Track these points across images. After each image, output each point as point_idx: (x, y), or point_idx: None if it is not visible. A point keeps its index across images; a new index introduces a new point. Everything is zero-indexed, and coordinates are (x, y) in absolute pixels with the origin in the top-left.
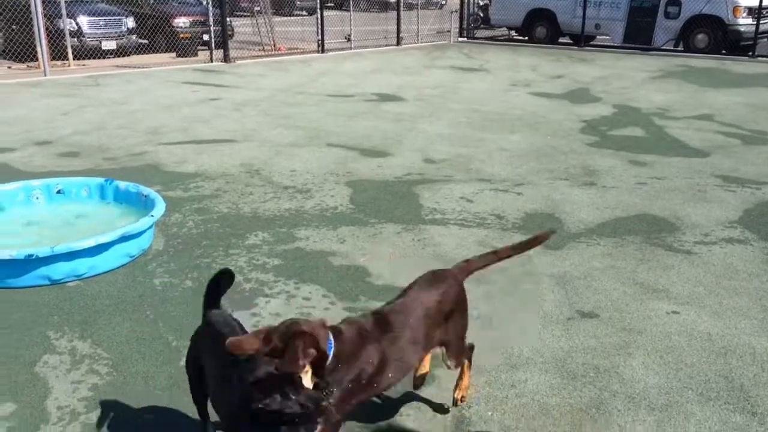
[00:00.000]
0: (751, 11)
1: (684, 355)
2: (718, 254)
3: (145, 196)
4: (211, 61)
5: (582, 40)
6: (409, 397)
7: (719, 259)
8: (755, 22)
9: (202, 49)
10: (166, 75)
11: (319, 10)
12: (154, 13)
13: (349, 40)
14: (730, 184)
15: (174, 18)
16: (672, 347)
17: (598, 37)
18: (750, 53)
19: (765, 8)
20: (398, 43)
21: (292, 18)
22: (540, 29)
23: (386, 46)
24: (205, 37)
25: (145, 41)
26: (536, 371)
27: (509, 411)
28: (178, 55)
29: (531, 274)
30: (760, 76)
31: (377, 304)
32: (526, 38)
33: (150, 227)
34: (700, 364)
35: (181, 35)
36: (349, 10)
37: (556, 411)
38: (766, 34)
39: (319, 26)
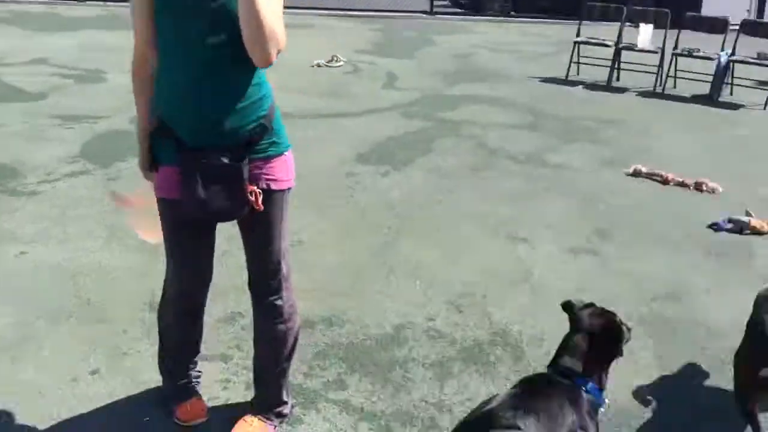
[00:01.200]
0: None
1: (35, 290)
2: (63, 188)
3: None
4: None
5: None
6: None
7: (64, 192)
8: None
9: None
10: None
11: None
12: None
13: None
14: (69, 122)
15: None
16: (23, 287)
17: None
18: None
19: None
20: None
21: None
22: None
23: None
24: None
25: None
26: None
27: None
28: None
29: None
30: (90, 18)
31: None
32: None
33: None
34: (51, 292)
35: None
36: None
37: None
38: None
39: None
